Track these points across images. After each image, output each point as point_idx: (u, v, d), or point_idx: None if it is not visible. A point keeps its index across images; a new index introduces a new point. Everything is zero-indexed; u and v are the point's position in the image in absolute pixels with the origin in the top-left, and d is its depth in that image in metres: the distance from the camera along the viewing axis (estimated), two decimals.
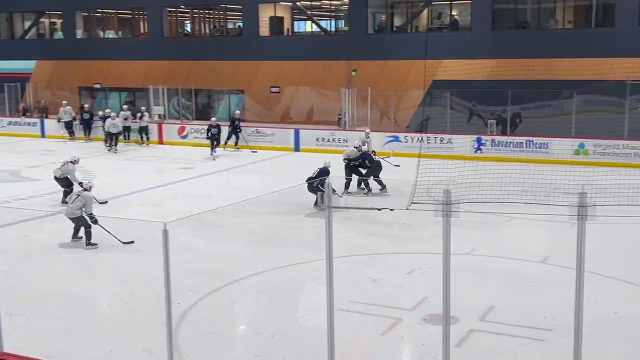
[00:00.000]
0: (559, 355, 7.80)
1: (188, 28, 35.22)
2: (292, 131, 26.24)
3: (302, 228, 14.04)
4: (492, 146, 23.04)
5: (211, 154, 24.51)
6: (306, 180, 15.63)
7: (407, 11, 28.74)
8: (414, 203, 8.74)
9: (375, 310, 10.04)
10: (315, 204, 15.25)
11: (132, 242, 13.09)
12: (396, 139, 24.45)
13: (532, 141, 22.43)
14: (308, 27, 33.51)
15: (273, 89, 29.87)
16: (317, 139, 25.60)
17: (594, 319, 8.45)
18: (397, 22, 29.62)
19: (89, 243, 13.04)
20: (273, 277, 11.52)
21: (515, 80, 23.58)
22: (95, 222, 12.90)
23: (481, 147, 23.09)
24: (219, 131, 24.99)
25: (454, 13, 28.51)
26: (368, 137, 20.50)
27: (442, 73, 25.31)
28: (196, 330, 9.34)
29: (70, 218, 13.13)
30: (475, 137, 23.25)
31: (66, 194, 16.16)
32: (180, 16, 34.68)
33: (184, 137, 27.72)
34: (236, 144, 25.88)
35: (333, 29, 32.84)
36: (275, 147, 25.57)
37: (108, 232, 12.84)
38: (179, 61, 31.47)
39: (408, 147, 23.18)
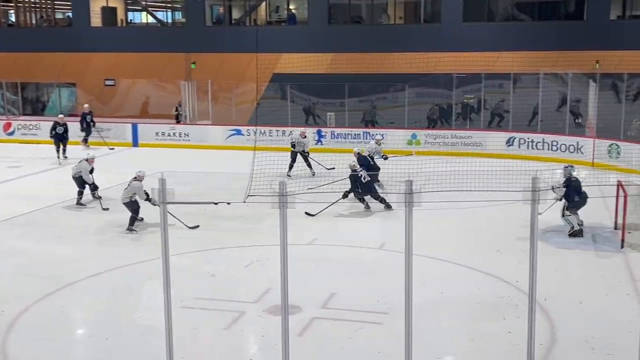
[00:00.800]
0: (393, 336, 8.12)
1: (12, 18, 32.95)
2: (129, 125, 25.36)
3: (139, 226, 13.59)
4: (332, 138, 23.60)
5: (59, 157, 21.63)
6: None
7: (244, 4, 28.68)
8: (251, 195, 8.76)
9: (218, 305, 9.95)
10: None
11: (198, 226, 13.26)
12: (238, 132, 24.38)
13: (369, 132, 23.23)
14: (144, 18, 32.48)
15: (107, 82, 28.69)
16: (157, 134, 24.93)
17: (423, 300, 8.93)
18: (236, 14, 29.49)
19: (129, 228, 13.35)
20: (109, 278, 11.07)
21: (351, 73, 24.30)
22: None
23: (321, 139, 23.59)
24: (66, 130, 21.98)
25: (291, 7, 28.85)
26: (304, 137, 19.29)
27: (282, 66, 25.53)
28: (25, 338, 8.77)
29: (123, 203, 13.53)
30: (315, 129, 23.70)
31: (80, 194, 15.55)
32: (4, 5, 32.35)
33: (10, 134, 25.93)
34: (85, 140, 24.18)
35: (170, 20, 32.09)
36: (112, 143, 24.55)
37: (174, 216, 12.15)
38: (2, 53, 29.37)
39: (251, 140, 23.17)
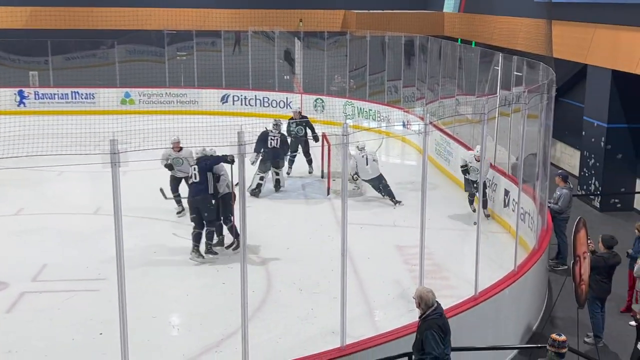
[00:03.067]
0: (108, 301, 7.83)
1: None
2: None
3: None
4: (36, 99, 21.86)
5: None
6: None
7: None
8: None
9: None
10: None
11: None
12: None
13: (77, 92, 21.94)
14: None
15: None
16: None
17: (137, 261, 8.80)
18: None
19: None
20: None
21: (56, 29, 22.60)
22: None
23: (24, 100, 21.73)
24: None
25: None
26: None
27: None
28: None
29: None
30: (17, 89, 21.73)
31: None
32: None
33: None
34: None
35: None
36: None
37: None
38: None
39: None
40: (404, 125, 18.11)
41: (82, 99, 21.84)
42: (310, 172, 15.00)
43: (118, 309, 5.65)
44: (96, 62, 23.87)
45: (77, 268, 9.57)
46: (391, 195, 13.04)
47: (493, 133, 12.79)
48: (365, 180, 13.24)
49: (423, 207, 7.18)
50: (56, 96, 21.92)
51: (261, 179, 13.36)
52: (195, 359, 7.36)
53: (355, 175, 13.12)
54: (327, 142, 14.08)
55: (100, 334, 7.58)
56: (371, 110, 20.08)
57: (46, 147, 12.46)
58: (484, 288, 7.94)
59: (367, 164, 12.96)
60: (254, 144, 12.98)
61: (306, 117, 15.50)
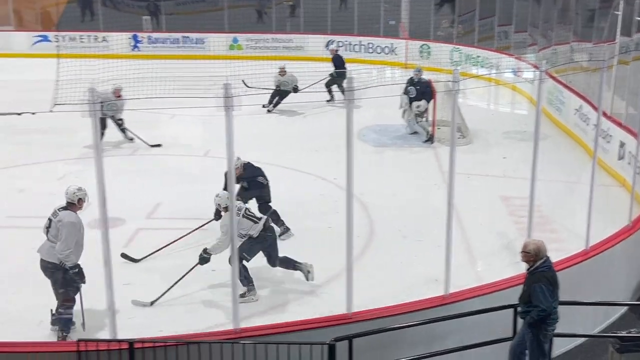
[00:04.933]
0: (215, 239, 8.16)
1: None
2: None
3: None
4: (149, 43, 22.60)
5: None
6: None
7: None
8: (59, 104, 8.02)
9: (32, 222, 9.41)
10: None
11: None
12: (45, 38, 22.57)
13: (188, 37, 22.50)
14: None
15: None
16: None
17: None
18: None
19: None
20: None
21: None
22: None
23: (138, 44, 22.51)
24: None
25: None
26: (118, 97, 12.78)
27: None
28: None
29: None
30: (131, 34, 22.52)
31: None
32: None
33: None
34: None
35: None
36: None
37: None
38: None
39: (60, 47, 21.57)
40: (514, 72, 17.50)
41: (192, 43, 22.40)
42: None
43: (230, 248, 5.88)
44: (205, 7, 24.33)
45: (189, 207, 9.96)
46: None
47: (610, 82, 12.16)
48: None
49: (535, 157, 6.99)
50: (168, 40, 22.58)
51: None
52: (300, 300, 7.59)
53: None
54: (433, 89, 13.84)
55: (213, 270, 7.90)
56: (479, 56, 19.49)
57: (160, 90, 12.93)
58: (595, 242, 7.70)
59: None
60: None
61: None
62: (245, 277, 7.48)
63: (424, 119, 13.71)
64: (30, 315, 7.11)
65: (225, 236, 7.25)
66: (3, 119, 12.74)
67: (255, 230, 7.56)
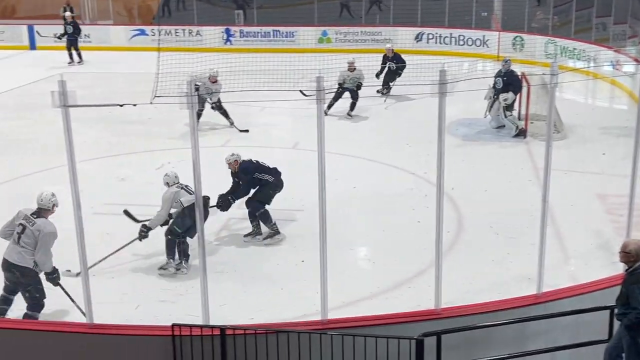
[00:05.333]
0: (308, 231, 8.27)
1: None
2: (24, 27, 23.86)
3: (40, 133, 13.06)
4: (241, 37, 23.02)
5: None
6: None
7: None
8: (158, 97, 8.35)
9: (133, 210, 9.80)
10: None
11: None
12: (142, 32, 23.40)
13: (278, 30, 22.77)
14: None
15: None
16: (56, 35, 23.56)
17: (336, 195, 9.11)
18: None
19: None
20: (12, 188, 10.66)
21: None
22: None
23: (230, 38, 22.97)
24: None
25: None
26: (214, 82, 13.97)
27: None
28: None
29: None
30: (223, 28, 23.01)
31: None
32: None
33: None
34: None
35: None
36: (6, 46, 23.10)
37: None
38: None
39: (156, 40, 22.28)
40: (613, 66, 16.80)
41: (282, 37, 22.66)
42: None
43: (319, 239, 5.93)
44: (296, 1, 24.55)
45: (278, 198, 10.08)
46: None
47: None
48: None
49: (636, 153, 6.70)
50: (259, 34, 22.93)
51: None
52: (389, 292, 7.57)
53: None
54: (527, 82, 13.47)
55: (302, 261, 8.01)
56: (576, 49, 18.81)
57: (251, 83, 13.21)
58: None
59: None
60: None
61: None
62: (170, 250, 7.91)
63: (512, 113, 13.32)
64: (128, 298, 7.40)
65: (162, 210, 7.98)
66: (104, 109, 13.39)
67: (188, 201, 7.75)
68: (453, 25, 21.79)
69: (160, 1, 25.44)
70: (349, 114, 14.50)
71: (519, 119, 13.72)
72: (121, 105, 5.74)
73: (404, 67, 15.89)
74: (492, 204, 9.92)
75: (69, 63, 20.61)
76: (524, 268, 7.61)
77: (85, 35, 23.48)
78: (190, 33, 22.76)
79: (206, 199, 7.63)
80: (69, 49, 20.86)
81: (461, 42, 21.50)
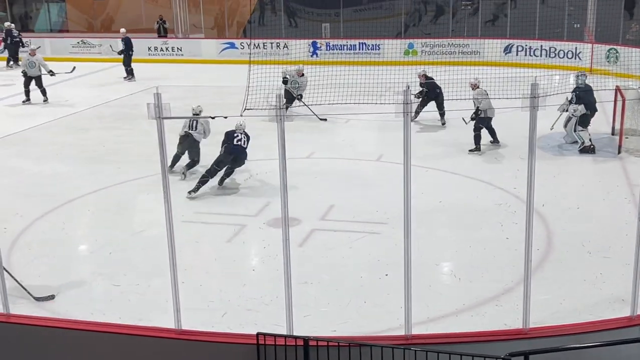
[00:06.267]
0: (392, 244, 8.23)
1: None
2: (120, 41, 24.87)
3: (137, 143, 13.56)
4: (327, 50, 23.23)
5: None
6: None
7: None
8: (248, 109, 8.56)
9: (218, 219, 10.04)
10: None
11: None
12: (232, 45, 23.98)
13: (365, 43, 22.85)
14: None
15: None
16: (149, 49, 24.51)
17: (422, 209, 9.05)
18: None
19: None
20: (109, 195, 11.12)
21: None
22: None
23: (317, 51, 23.22)
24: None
25: None
26: (302, 76, 15.72)
27: None
28: (29, 255, 8.88)
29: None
30: (310, 41, 23.29)
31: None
32: None
33: (1, 52, 25.47)
34: (9, 60, 23.22)
35: None
36: (103, 59, 24.18)
37: None
38: None
39: (245, 54, 22.82)
40: None
41: (368, 49, 22.74)
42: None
43: (403, 253, 5.88)
44: (383, 13, 24.59)
45: (362, 210, 10.10)
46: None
47: None
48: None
49: None
50: (345, 47, 23.08)
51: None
52: (474, 309, 7.42)
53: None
54: (622, 96, 12.97)
55: (386, 275, 7.97)
56: None
57: (337, 96, 13.30)
58: None
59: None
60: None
61: (432, 79, 14.88)
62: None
63: (585, 129, 12.74)
64: (215, 306, 7.55)
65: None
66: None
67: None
68: (543, 37, 21.26)
69: (252, 15, 26.00)
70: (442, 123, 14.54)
71: (613, 133, 13.22)
72: (213, 118, 5.89)
73: (437, 94, 14.71)
74: (585, 222, 9.58)
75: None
76: (617, 289, 7.30)
77: (178, 48, 24.33)
78: (278, 46, 23.15)
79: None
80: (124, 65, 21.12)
81: (552, 55, 20.95)
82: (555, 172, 11.56)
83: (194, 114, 10.92)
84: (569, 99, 12.84)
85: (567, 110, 12.88)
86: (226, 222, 9.86)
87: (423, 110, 14.64)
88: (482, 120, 12.80)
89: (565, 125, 13.10)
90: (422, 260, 7.85)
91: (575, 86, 13.10)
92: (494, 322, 6.91)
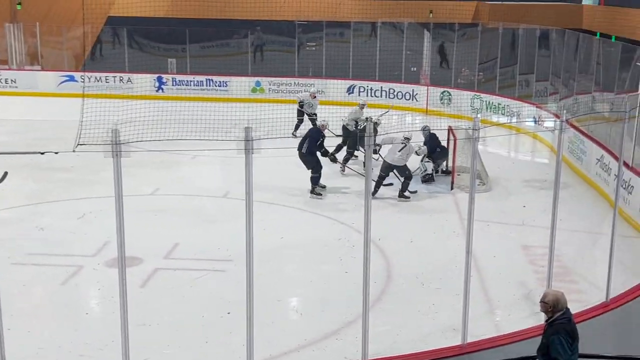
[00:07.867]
0: (235, 282, 8.15)
1: None
2: None
3: None
4: (173, 85, 22.96)
5: None
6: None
7: None
8: (81, 145, 8.23)
9: (52, 260, 9.50)
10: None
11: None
12: (71, 78, 23.04)
13: (212, 79, 22.82)
14: None
15: None
16: None
17: (265, 246, 9.09)
18: None
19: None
20: None
21: (193, 18, 23.61)
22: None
23: (162, 86, 22.87)
24: None
25: None
26: (314, 98, 17.66)
27: (118, 9, 24.30)
28: None
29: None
30: (156, 76, 22.91)
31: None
32: None
33: None
34: None
35: None
36: None
37: None
38: None
39: (86, 87, 21.99)
40: (535, 121, 17.49)
41: (215, 86, 22.71)
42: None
43: (246, 291, 5.85)
44: (230, 51, 24.72)
45: (207, 248, 9.97)
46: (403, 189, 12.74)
47: (631, 133, 12.09)
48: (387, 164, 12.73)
49: (555, 206, 6.94)
50: (192, 83, 22.91)
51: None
52: (316, 344, 7.50)
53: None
54: (454, 136, 13.86)
55: (228, 313, 7.88)
56: (500, 104, 19.54)
57: (182, 132, 13.12)
58: (615, 295, 7.57)
59: (398, 151, 12.56)
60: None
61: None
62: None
63: (430, 161, 13.74)
64: (45, 353, 7.10)
65: None
66: (28, 157, 13.01)
67: None
68: (384, 79, 22.33)
69: (90, 48, 25.17)
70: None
71: (446, 170, 14.07)
72: (42, 153, 5.60)
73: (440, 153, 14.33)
74: (419, 255, 10.05)
75: None
76: (449, 318, 7.69)
77: (12, 80, 23.00)
78: (120, 80, 22.54)
79: None
80: None
81: (391, 95, 22.03)
82: (391, 207, 12.07)
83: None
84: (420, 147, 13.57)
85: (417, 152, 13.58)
86: (60, 264, 9.34)
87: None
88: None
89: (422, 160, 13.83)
90: (266, 298, 7.89)
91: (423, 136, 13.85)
92: (334, 355, 7.03)
